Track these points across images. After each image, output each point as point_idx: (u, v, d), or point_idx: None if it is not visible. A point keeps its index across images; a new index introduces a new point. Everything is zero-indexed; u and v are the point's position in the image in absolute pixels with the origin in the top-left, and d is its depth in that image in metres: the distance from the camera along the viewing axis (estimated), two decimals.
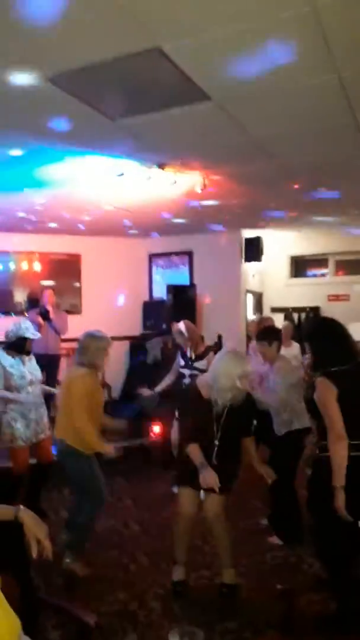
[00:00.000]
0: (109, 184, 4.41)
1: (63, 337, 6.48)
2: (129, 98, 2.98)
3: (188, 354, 4.70)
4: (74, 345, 7.19)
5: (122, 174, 3.99)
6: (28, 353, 4.03)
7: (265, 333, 3.89)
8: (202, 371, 4.25)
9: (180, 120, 3.22)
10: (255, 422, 3.32)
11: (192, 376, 4.56)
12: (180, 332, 4.71)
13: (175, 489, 3.30)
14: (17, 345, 3.95)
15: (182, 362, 4.73)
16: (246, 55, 2.43)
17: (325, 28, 2.19)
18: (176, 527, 3.15)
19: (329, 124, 3.35)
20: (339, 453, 2.49)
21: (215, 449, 2.99)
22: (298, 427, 3.64)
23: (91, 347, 3.31)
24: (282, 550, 3.61)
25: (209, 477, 2.86)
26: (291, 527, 3.69)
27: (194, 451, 2.97)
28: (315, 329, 2.88)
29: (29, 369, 4.03)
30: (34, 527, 1.60)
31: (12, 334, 3.96)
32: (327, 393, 2.53)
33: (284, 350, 4.03)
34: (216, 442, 2.99)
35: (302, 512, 3.75)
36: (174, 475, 3.24)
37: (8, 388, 3.89)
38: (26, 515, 1.62)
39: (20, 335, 3.93)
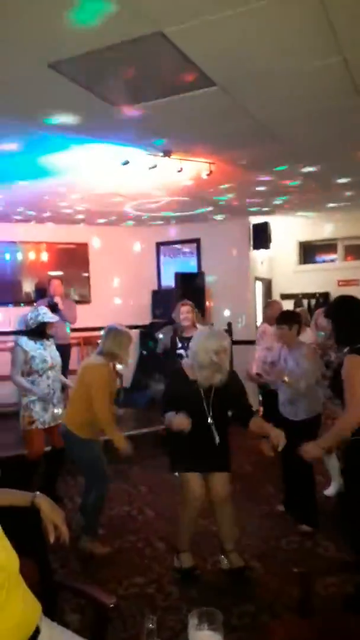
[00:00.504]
0: (115, 171, 4.38)
1: (72, 326, 6.49)
2: (132, 85, 2.95)
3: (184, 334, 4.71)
4: (84, 334, 7.26)
5: (127, 162, 3.95)
6: (49, 337, 4.16)
7: (285, 317, 3.83)
8: None
9: (185, 107, 3.19)
10: (262, 407, 3.33)
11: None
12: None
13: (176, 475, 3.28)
14: (39, 331, 4.07)
15: (180, 344, 4.74)
16: (249, 39, 2.38)
17: (328, 9, 2.15)
18: (186, 514, 3.10)
19: (334, 107, 3.29)
20: (348, 428, 2.55)
21: (213, 427, 3.01)
22: (315, 413, 3.63)
23: (109, 339, 3.42)
24: (297, 535, 3.61)
25: (180, 420, 2.87)
26: (308, 512, 3.69)
27: (169, 416, 2.98)
28: (342, 306, 2.84)
29: (51, 353, 4.13)
30: (51, 512, 1.61)
31: (32, 321, 4.08)
32: (357, 371, 2.52)
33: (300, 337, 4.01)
34: (210, 421, 3.00)
35: (317, 497, 3.76)
36: (170, 463, 3.23)
37: (30, 372, 4.00)
38: (43, 501, 1.63)
39: (40, 321, 4.05)
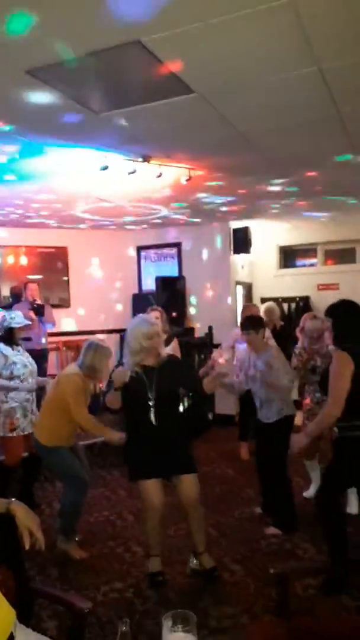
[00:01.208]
0: (94, 176, 4.37)
1: (52, 330, 6.44)
2: (111, 91, 2.96)
3: None
4: (64, 339, 7.20)
5: (106, 167, 3.95)
6: (17, 344, 4.08)
7: (251, 322, 3.88)
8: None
9: (165, 114, 3.21)
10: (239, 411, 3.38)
11: None
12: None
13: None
14: (6, 337, 4.01)
15: None
16: (225, 49, 2.41)
17: (303, 20, 2.19)
18: (147, 522, 3.10)
19: (312, 116, 3.34)
20: (328, 419, 2.77)
21: (152, 410, 3.00)
22: (287, 414, 3.67)
23: (90, 354, 3.45)
24: (277, 537, 3.64)
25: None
26: (286, 515, 3.72)
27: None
28: (338, 308, 2.98)
29: (28, 358, 4.12)
30: (26, 519, 1.61)
31: (0, 326, 4.04)
32: (346, 367, 2.70)
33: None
34: (150, 404, 3.00)
35: (294, 500, 3.80)
36: (128, 472, 3.22)
37: (11, 378, 3.96)
38: (18, 507, 1.63)
39: (7, 327, 4.01)
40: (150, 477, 3.02)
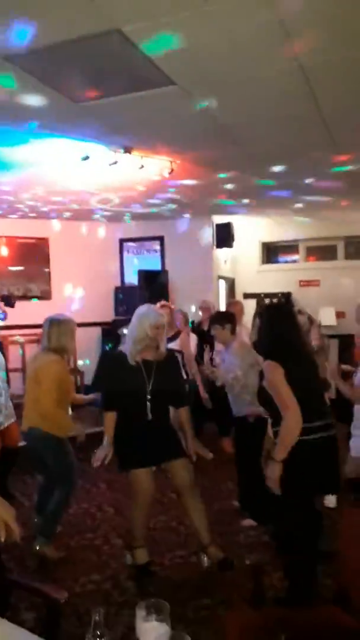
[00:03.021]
0: (76, 167, 4.33)
1: (31, 323, 6.36)
2: (92, 81, 2.93)
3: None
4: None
5: (87, 157, 3.92)
6: None
7: (217, 317, 3.98)
8: (176, 352, 4.30)
9: (146, 105, 3.19)
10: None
11: None
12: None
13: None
14: None
15: None
16: (206, 41, 2.41)
17: (282, 15, 2.20)
18: (137, 510, 3.09)
19: (292, 111, 3.36)
20: (292, 433, 2.47)
21: (148, 404, 3.02)
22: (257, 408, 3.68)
23: (55, 332, 3.30)
24: (255, 529, 3.68)
25: (100, 452, 2.99)
26: (262, 507, 3.76)
27: (107, 422, 3.07)
28: (267, 311, 2.88)
29: None
30: (1, 511, 1.59)
31: None
32: (278, 372, 2.51)
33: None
34: (148, 397, 3.01)
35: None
36: (118, 462, 3.16)
37: None
38: None
39: None
40: (143, 465, 3.04)
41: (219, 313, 4.19)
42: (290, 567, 2.68)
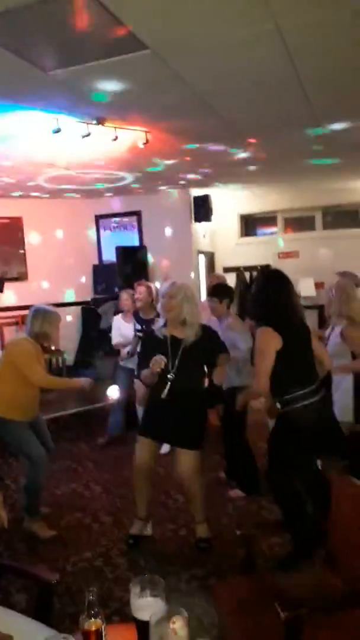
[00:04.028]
0: (46, 140, 4.17)
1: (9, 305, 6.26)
2: (60, 47, 2.78)
3: (142, 316, 4.64)
4: (23, 313, 7.01)
5: (58, 130, 3.77)
6: None
7: (216, 290, 3.93)
8: None
9: (118, 72, 3.06)
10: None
11: None
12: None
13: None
14: None
15: (139, 326, 4.67)
16: (179, 2, 2.29)
17: None
18: (134, 479, 3.17)
19: (269, 77, 3.26)
20: (256, 394, 2.85)
21: (169, 384, 2.97)
22: (236, 385, 3.66)
23: (39, 319, 3.35)
24: (243, 500, 3.73)
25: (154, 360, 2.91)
26: (248, 478, 3.81)
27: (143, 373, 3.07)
28: (264, 278, 2.92)
29: None
30: None
31: None
32: (270, 343, 2.61)
33: None
34: (170, 376, 2.96)
35: (256, 462, 3.88)
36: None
37: None
38: None
39: None
40: (145, 435, 3.07)
41: (220, 286, 4.14)
42: (292, 527, 2.82)
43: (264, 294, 2.77)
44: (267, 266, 7.91)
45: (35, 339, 3.33)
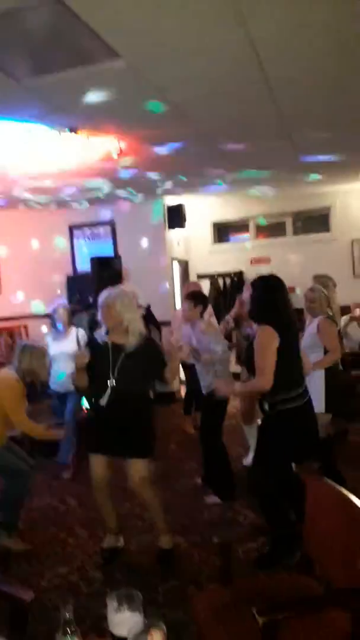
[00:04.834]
0: (18, 150, 4.14)
1: None
2: (33, 56, 2.77)
3: None
4: None
5: (30, 140, 3.75)
6: None
7: (193, 295, 4.05)
8: None
9: (92, 82, 3.06)
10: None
11: None
12: None
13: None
14: None
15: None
16: (151, 10, 2.32)
17: None
18: (95, 496, 3.12)
19: (241, 84, 3.32)
20: (258, 390, 2.83)
21: (108, 391, 2.89)
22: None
23: (27, 356, 3.36)
24: (218, 506, 3.73)
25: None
26: (225, 484, 3.82)
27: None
28: (264, 281, 2.99)
29: None
30: None
31: None
32: (271, 340, 2.72)
33: None
34: (111, 384, 2.89)
35: (232, 469, 3.90)
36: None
37: None
38: None
39: None
40: (96, 451, 3.01)
41: (198, 292, 4.35)
42: (274, 528, 2.89)
43: (265, 297, 2.87)
44: (240, 273, 8.02)
45: (22, 376, 3.32)
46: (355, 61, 3.08)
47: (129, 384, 2.89)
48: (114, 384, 2.89)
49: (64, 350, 4.53)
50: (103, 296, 2.96)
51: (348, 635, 1.66)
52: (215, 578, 2.75)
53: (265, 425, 2.96)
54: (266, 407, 2.85)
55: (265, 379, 2.70)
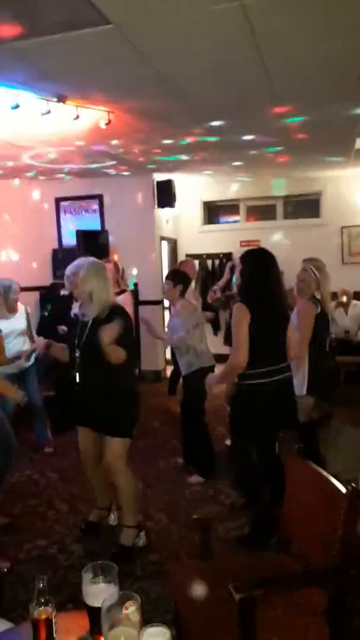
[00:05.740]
0: (4, 117, 3.99)
1: None
2: (19, 18, 2.64)
3: None
4: None
5: (17, 106, 3.61)
6: None
7: (173, 274, 3.99)
8: None
9: (80, 46, 2.95)
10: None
11: None
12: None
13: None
14: None
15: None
16: None
17: None
18: (84, 470, 3.11)
19: (233, 59, 3.22)
20: (234, 369, 2.76)
21: (76, 363, 2.81)
22: (197, 368, 3.72)
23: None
24: (200, 485, 3.75)
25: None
26: (206, 463, 3.83)
27: None
28: (254, 255, 2.94)
29: None
30: None
31: None
32: (243, 317, 2.69)
33: None
34: (76, 354, 2.80)
35: (214, 449, 3.92)
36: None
37: None
38: None
39: None
40: (79, 424, 3.00)
41: (177, 271, 4.21)
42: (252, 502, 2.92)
43: (254, 272, 2.82)
44: (229, 254, 7.97)
45: None
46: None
47: (93, 356, 2.68)
48: (78, 356, 2.81)
49: (16, 327, 4.29)
50: (70, 266, 2.90)
51: (324, 611, 1.67)
52: (195, 554, 2.77)
53: (232, 400, 2.99)
54: (235, 380, 2.85)
55: (236, 355, 2.70)
